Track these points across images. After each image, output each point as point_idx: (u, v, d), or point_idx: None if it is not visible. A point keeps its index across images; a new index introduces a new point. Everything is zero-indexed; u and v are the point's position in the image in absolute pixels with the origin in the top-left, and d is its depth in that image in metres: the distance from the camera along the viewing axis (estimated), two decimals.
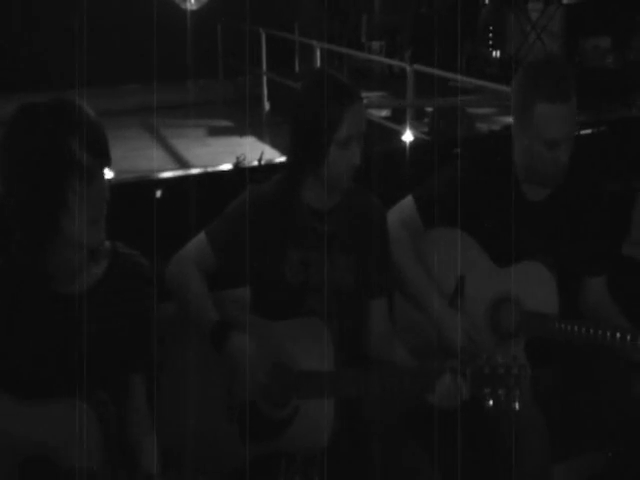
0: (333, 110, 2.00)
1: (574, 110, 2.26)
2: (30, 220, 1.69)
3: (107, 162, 1.72)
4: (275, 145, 8.06)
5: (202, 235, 2.21)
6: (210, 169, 3.25)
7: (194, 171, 3.32)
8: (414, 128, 7.10)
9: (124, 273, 1.84)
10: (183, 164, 7.98)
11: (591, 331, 2.21)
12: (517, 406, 1.93)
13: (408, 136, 6.69)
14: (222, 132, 9.30)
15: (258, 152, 3.19)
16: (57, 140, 1.64)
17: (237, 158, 3.07)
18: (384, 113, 8.14)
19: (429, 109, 8.12)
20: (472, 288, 2.41)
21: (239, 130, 9.25)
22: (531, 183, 2.39)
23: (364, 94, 2.19)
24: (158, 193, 2.90)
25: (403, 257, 2.37)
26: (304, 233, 2.18)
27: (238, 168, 3.07)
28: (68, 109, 1.66)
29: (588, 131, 3.55)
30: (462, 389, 1.92)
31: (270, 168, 3.05)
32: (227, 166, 3.17)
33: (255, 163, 3.12)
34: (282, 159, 3.45)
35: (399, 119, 7.54)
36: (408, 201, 2.49)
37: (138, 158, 7.62)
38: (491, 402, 1.94)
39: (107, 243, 1.86)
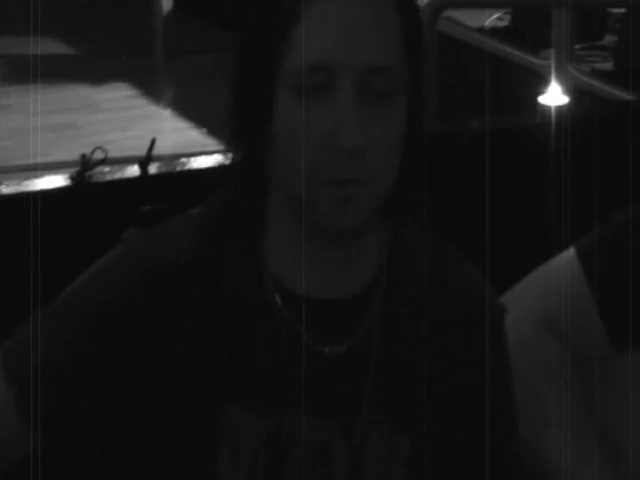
0: (277, 17, 1.85)
1: None
2: None
3: None
4: (188, 112, 7.16)
5: None
6: (15, 188, 3.05)
7: None
8: (579, 64, 6.24)
9: None
10: None
11: None
12: None
13: (554, 94, 5.70)
14: (49, 75, 8.26)
15: (145, 137, 3.18)
16: None
17: (83, 157, 2.92)
18: (489, 21, 7.33)
19: (617, 10, 7.40)
20: None
21: (92, 73, 8.47)
22: None
23: None
24: None
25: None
26: (281, 363, 1.97)
27: (84, 181, 2.97)
28: None
29: None
30: None
31: (178, 178, 3.05)
32: (57, 179, 2.99)
33: (134, 168, 2.99)
34: (216, 149, 3.76)
35: (534, 37, 6.74)
36: (567, 266, 2.30)
37: None
38: None
39: None
